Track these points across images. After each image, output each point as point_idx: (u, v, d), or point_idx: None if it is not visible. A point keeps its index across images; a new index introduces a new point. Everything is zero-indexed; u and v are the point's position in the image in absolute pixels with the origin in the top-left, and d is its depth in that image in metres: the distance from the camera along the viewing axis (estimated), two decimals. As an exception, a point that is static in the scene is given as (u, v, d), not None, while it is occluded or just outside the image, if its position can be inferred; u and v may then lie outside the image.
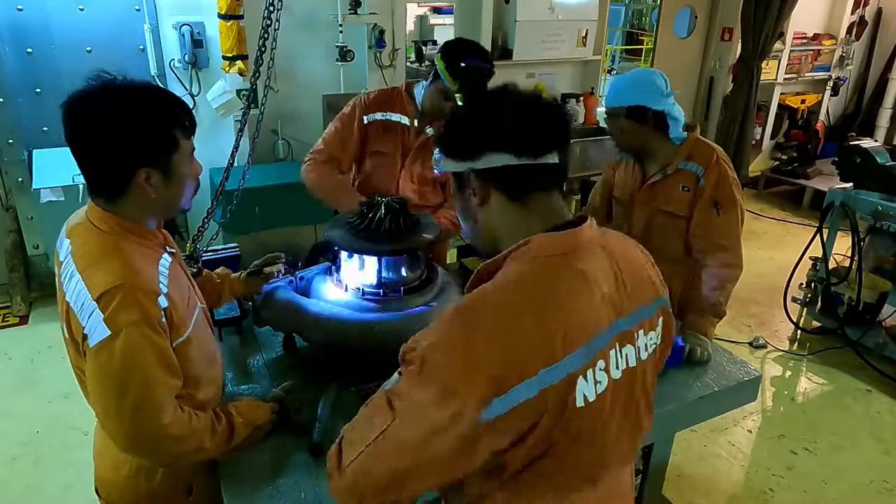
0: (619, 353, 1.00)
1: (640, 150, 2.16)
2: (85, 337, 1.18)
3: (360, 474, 0.92)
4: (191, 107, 3.90)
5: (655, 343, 1.09)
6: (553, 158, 1.03)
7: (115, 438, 1.26)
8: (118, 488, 1.45)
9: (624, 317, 1.00)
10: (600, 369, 0.96)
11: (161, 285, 1.24)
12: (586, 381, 0.93)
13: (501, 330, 0.90)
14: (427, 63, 5.12)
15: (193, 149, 1.31)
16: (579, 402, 0.93)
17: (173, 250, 1.39)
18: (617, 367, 0.99)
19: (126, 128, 1.18)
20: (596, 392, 0.95)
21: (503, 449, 0.91)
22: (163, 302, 1.22)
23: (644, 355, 1.05)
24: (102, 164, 1.23)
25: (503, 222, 1.05)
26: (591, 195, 2.50)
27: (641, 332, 1.05)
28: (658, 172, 2.14)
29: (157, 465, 1.39)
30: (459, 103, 2.15)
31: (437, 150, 1.10)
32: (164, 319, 1.22)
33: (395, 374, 1.00)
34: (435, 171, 1.24)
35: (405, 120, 2.37)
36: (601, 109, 6.48)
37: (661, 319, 1.11)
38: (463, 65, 2.15)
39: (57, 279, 1.30)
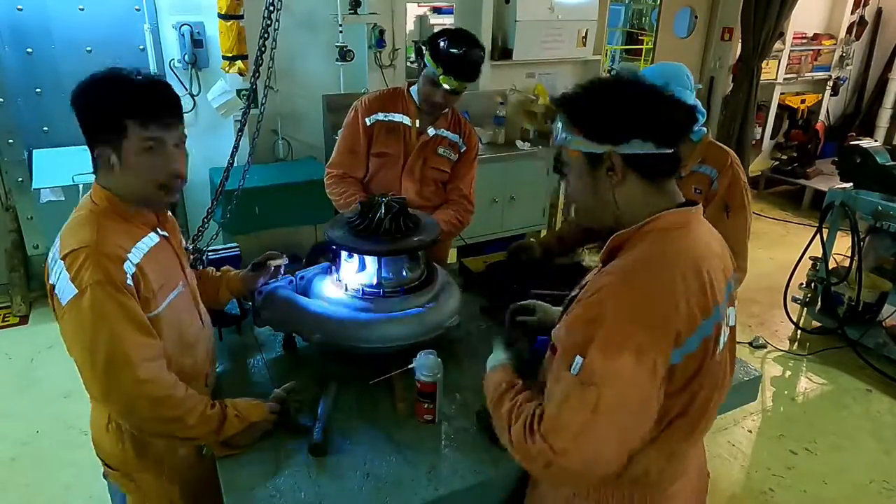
0: (726, 313, 1.14)
1: None
2: (55, 294, 1.26)
3: (588, 450, 1.03)
4: (190, 106, 3.91)
5: (734, 317, 1.22)
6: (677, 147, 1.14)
7: (94, 396, 1.31)
8: (105, 449, 1.49)
9: (728, 280, 1.16)
10: (725, 324, 1.13)
11: (131, 255, 1.29)
12: (720, 331, 1.11)
13: (667, 292, 1.04)
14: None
15: (157, 139, 1.31)
16: (717, 349, 1.11)
17: (165, 234, 1.43)
18: (727, 325, 1.16)
19: (84, 106, 1.29)
20: (722, 343, 1.13)
21: (670, 393, 1.07)
22: (128, 268, 1.27)
23: (732, 321, 1.20)
24: (87, 140, 1.32)
25: (635, 202, 1.14)
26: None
27: (729, 305, 1.18)
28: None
29: (142, 430, 1.39)
30: (446, 87, 2.18)
31: (562, 128, 1.15)
32: (129, 283, 1.27)
33: (554, 365, 1.12)
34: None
35: (407, 120, 2.37)
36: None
37: (735, 298, 1.24)
38: (444, 48, 2.15)
39: None
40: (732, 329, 1.20)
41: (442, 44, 2.15)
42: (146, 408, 1.29)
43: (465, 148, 2.47)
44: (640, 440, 1.09)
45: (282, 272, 1.86)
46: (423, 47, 2.23)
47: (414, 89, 2.37)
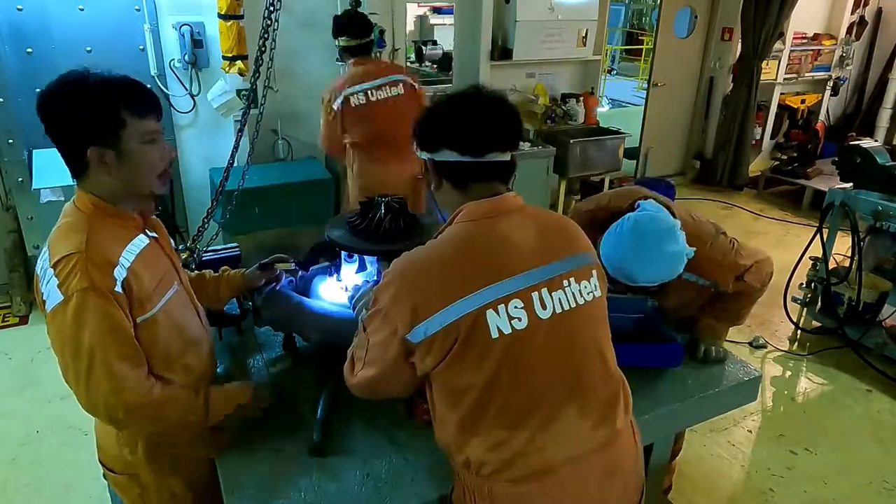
0: (546, 296, 1.19)
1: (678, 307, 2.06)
2: (44, 302, 1.26)
3: (364, 379, 1.27)
4: (190, 106, 3.91)
5: (592, 293, 1.26)
6: (499, 157, 1.25)
7: (78, 400, 1.31)
8: (110, 455, 1.50)
9: (545, 266, 1.21)
10: (516, 307, 1.16)
11: (122, 259, 1.28)
12: (498, 315, 1.15)
13: (423, 273, 1.19)
14: (427, 63, 5.13)
15: (155, 130, 1.33)
16: (493, 334, 1.15)
17: (154, 235, 1.42)
18: (544, 308, 1.19)
19: (70, 108, 1.25)
20: (512, 326, 1.15)
21: (436, 364, 1.17)
22: (119, 273, 1.26)
23: (581, 300, 1.24)
24: (61, 146, 1.29)
25: (449, 203, 1.30)
26: None
27: (572, 279, 1.23)
28: (672, 310, 2.04)
29: (121, 430, 1.42)
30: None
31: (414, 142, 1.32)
32: (118, 289, 1.26)
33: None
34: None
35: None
36: (600, 110, 6.44)
37: (594, 272, 1.29)
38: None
39: None
40: (569, 316, 1.21)
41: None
42: (125, 414, 1.30)
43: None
44: (401, 389, 1.29)
45: (285, 276, 1.86)
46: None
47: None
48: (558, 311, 1.20)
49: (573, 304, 1.22)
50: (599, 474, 1.25)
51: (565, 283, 1.22)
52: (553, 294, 1.20)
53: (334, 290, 1.89)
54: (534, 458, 1.19)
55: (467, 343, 1.14)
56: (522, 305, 1.16)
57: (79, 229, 1.27)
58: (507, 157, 1.26)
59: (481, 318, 1.14)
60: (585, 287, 1.25)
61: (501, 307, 1.15)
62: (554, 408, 1.20)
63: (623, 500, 1.30)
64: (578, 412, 1.22)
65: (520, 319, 1.16)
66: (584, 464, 1.23)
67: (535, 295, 1.18)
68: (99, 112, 1.26)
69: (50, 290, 1.24)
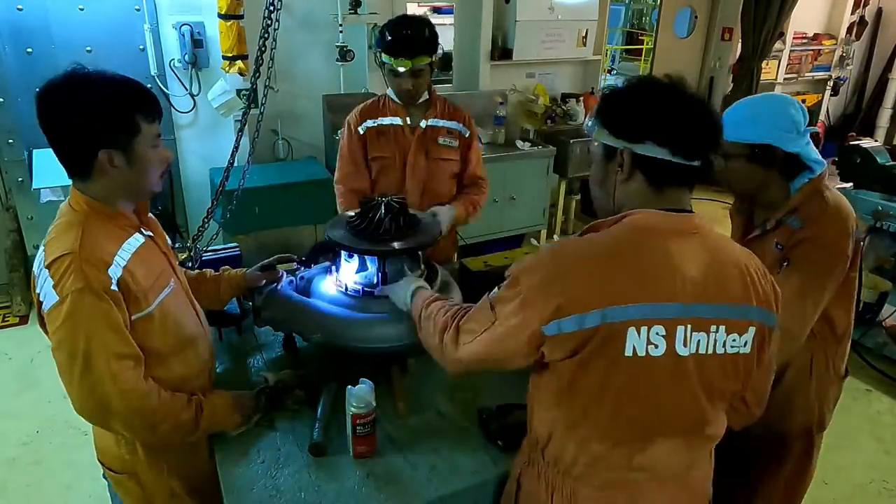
0: (687, 333, 1.10)
1: (753, 195, 1.72)
2: (41, 303, 1.26)
3: (471, 354, 1.22)
4: (190, 106, 3.92)
5: (738, 348, 1.15)
6: (699, 161, 1.13)
7: (72, 402, 1.32)
8: (109, 455, 1.50)
9: (701, 304, 1.10)
10: (658, 334, 1.08)
11: (117, 258, 1.29)
12: (638, 335, 1.07)
13: (576, 270, 1.10)
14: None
15: (159, 134, 1.35)
16: (627, 352, 1.07)
17: (150, 233, 1.43)
18: (685, 346, 1.10)
19: (85, 110, 1.25)
20: (647, 351, 1.08)
21: (562, 359, 1.11)
22: (114, 273, 1.27)
23: (720, 350, 1.13)
24: (67, 146, 1.29)
25: (633, 202, 1.16)
26: None
27: (723, 328, 1.12)
28: (759, 226, 1.72)
29: (112, 432, 1.42)
30: (401, 69, 2.20)
31: (592, 118, 1.20)
32: (114, 288, 1.26)
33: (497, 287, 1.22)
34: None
35: (398, 120, 2.38)
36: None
37: (752, 329, 1.15)
38: (387, 38, 2.19)
39: None
40: (702, 360, 1.12)
41: (385, 34, 2.21)
42: (119, 418, 1.31)
43: (468, 132, 2.47)
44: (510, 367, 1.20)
45: (287, 276, 1.86)
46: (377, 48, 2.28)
47: (391, 91, 2.39)
48: (693, 352, 1.11)
49: (712, 352, 1.13)
50: (676, 490, 1.24)
51: (713, 328, 1.12)
52: (695, 334, 1.11)
53: (334, 290, 1.89)
54: (625, 472, 1.19)
55: (600, 352, 1.08)
56: (664, 334, 1.09)
57: (73, 229, 1.27)
58: (701, 161, 1.14)
59: (621, 333, 1.07)
60: (733, 340, 1.14)
61: (644, 329, 1.07)
62: (662, 438, 1.17)
63: None
64: (681, 446, 1.20)
65: (657, 346, 1.09)
66: (669, 484, 1.22)
67: (680, 329, 1.10)
68: (115, 116, 1.27)
69: (46, 290, 1.24)
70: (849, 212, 1.61)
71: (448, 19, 4.97)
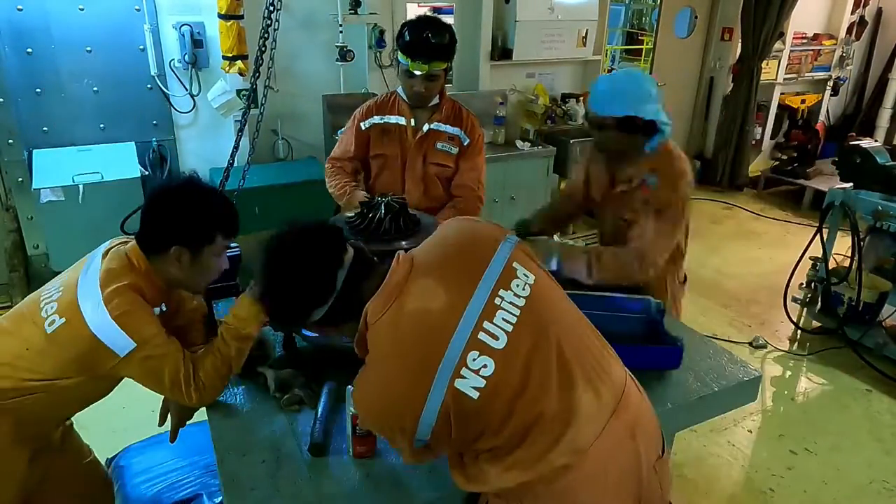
0: (490, 328, 1.16)
1: (619, 156, 2.08)
2: (100, 341, 1.42)
3: (413, 459, 1.26)
4: (190, 106, 3.92)
5: (527, 282, 1.23)
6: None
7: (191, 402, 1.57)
8: None
9: (471, 303, 1.17)
10: (474, 360, 1.14)
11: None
12: (465, 378, 1.13)
13: (383, 397, 1.18)
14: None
15: (226, 247, 1.58)
16: (474, 396, 1.13)
17: (165, 309, 1.61)
18: (497, 339, 1.16)
19: (180, 212, 1.50)
20: (483, 376, 1.13)
21: (452, 445, 1.20)
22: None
23: (521, 302, 1.20)
24: (152, 230, 1.52)
25: (352, 325, 1.25)
26: (566, 186, 2.52)
27: (502, 291, 1.20)
28: (624, 182, 2.08)
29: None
30: (416, 72, 2.18)
31: None
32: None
33: None
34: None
35: (402, 120, 2.38)
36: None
37: (514, 264, 1.24)
38: (405, 36, 2.17)
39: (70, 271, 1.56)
40: (522, 322, 1.18)
41: (405, 32, 2.18)
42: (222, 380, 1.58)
43: (468, 141, 2.44)
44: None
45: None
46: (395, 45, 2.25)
47: (401, 89, 2.38)
48: (509, 329, 1.17)
49: (518, 313, 1.19)
50: (622, 437, 1.24)
51: (497, 301, 1.19)
52: (494, 321, 1.17)
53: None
54: (567, 451, 1.19)
55: (461, 416, 1.14)
56: (479, 353, 1.14)
57: (132, 289, 1.48)
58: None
59: (457, 394, 1.13)
60: (517, 285, 1.22)
61: (464, 370, 1.13)
62: (566, 401, 1.19)
63: (647, 455, 1.28)
64: (585, 391, 1.20)
65: (486, 366, 1.14)
66: (608, 432, 1.21)
67: (481, 336, 1.15)
68: (201, 226, 1.51)
69: (112, 333, 1.42)
70: (688, 169, 2.05)
71: (448, 19, 4.96)
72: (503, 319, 1.17)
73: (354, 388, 1.25)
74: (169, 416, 1.72)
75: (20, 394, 1.46)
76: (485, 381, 1.13)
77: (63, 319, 1.43)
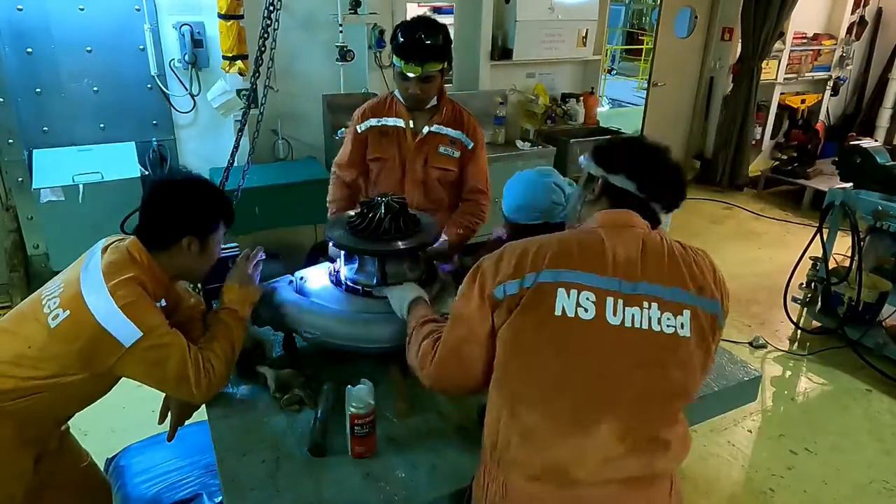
0: (619, 306, 1.19)
1: None
2: (105, 330, 1.43)
3: (448, 342, 1.33)
4: (190, 106, 3.92)
5: (674, 328, 1.21)
6: (658, 203, 1.33)
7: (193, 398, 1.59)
8: None
9: (629, 282, 1.21)
10: (588, 299, 1.19)
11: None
12: (567, 296, 1.19)
13: (524, 247, 1.26)
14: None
15: (224, 236, 1.69)
16: (557, 311, 1.18)
17: (165, 303, 1.65)
18: (614, 315, 1.19)
19: (189, 204, 1.59)
20: (577, 313, 1.18)
21: (503, 321, 1.22)
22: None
23: (656, 327, 1.20)
24: (162, 224, 1.58)
25: (590, 212, 1.36)
26: None
27: (655, 305, 1.21)
28: None
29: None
30: (410, 74, 2.16)
31: (588, 154, 1.41)
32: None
33: None
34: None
35: (400, 122, 2.36)
36: (600, 110, 6.42)
37: (687, 311, 1.22)
38: (397, 37, 2.14)
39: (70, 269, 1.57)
40: (641, 335, 1.18)
41: (398, 35, 2.16)
42: (228, 366, 1.62)
43: (471, 144, 2.41)
44: (477, 371, 1.29)
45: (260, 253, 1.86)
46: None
47: (398, 91, 2.36)
48: (628, 325, 1.18)
49: (644, 326, 1.18)
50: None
51: (645, 304, 1.20)
52: (627, 308, 1.19)
53: (334, 290, 1.89)
54: (555, 459, 1.17)
55: (531, 306, 1.19)
56: (594, 300, 1.19)
57: (137, 281, 1.50)
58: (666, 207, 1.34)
59: (552, 292, 1.18)
60: (668, 319, 1.20)
61: (574, 291, 1.18)
62: (592, 415, 1.16)
63: None
64: (615, 433, 1.16)
65: (586, 310, 1.18)
66: (609, 492, 1.18)
67: (609, 299, 1.19)
68: (208, 214, 1.61)
69: (118, 322, 1.43)
70: None
71: (448, 19, 4.96)
72: (632, 315, 1.20)
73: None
74: (168, 414, 1.72)
75: (22, 394, 1.47)
76: (573, 315, 1.18)
77: (67, 312, 1.44)
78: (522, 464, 1.19)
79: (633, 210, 1.31)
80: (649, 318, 1.19)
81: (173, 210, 1.58)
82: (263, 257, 1.84)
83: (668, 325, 1.20)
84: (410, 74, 2.16)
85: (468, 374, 1.30)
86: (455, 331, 1.30)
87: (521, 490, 1.20)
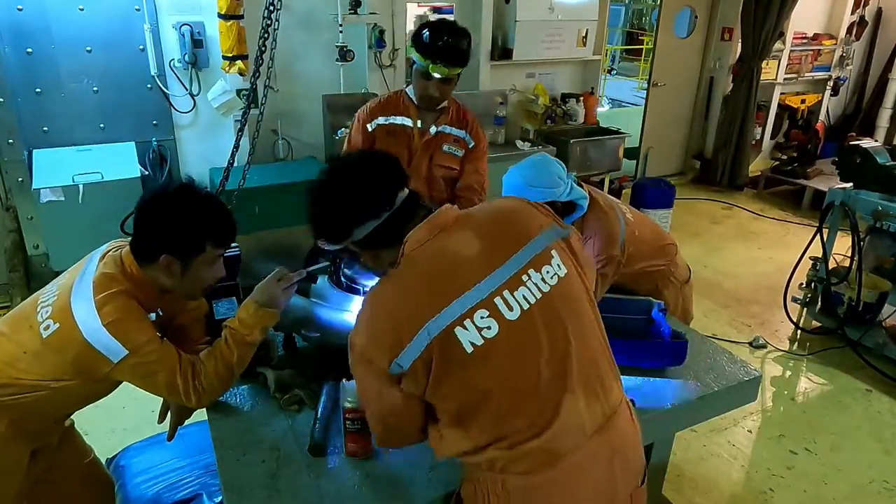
0: (508, 297, 1.19)
1: None
2: (91, 346, 1.40)
3: (377, 422, 1.30)
4: (190, 106, 3.91)
5: (557, 274, 1.26)
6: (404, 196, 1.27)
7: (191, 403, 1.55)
8: None
9: (500, 267, 1.21)
10: (482, 317, 1.17)
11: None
12: (466, 329, 1.16)
13: (383, 311, 1.22)
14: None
15: (221, 255, 1.54)
16: (468, 349, 1.16)
17: (161, 313, 1.62)
18: (511, 310, 1.19)
19: (167, 220, 1.46)
20: (483, 336, 1.16)
21: (423, 389, 1.19)
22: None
23: (546, 287, 1.23)
24: (142, 237, 1.49)
25: (391, 258, 1.27)
26: None
27: (531, 270, 1.23)
28: None
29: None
30: (437, 75, 2.17)
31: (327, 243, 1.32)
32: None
33: None
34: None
35: (408, 121, 2.38)
36: (600, 110, 6.43)
37: (554, 252, 1.28)
38: (428, 37, 2.15)
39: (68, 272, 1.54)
40: (541, 305, 1.21)
41: (425, 34, 2.16)
42: (223, 384, 1.56)
43: (472, 143, 2.45)
44: (415, 427, 1.28)
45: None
46: (409, 43, 2.24)
47: (410, 90, 2.38)
48: (525, 307, 1.20)
49: (539, 295, 1.22)
50: (603, 456, 1.25)
51: (524, 277, 1.22)
52: (515, 293, 1.20)
53: (334, 290, 1.88)
54: (542, 449, 1.20)
55: (445, 363, 1.15)
56: (488, 314, 1.17)
57: (125, 294, 1.46)
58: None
59: (451, 337, 1.15)
60: (548, 272, 1.25)
61: (468, 321, 1.16)
62: (553, 399, 1.20)
63: (624, 481, 1.29)
64: (576, 399, 1.21)
65: (489, 328, 1.17)
66: (588, 447, 1.23)
67: (497, 300, 1.19)
68: (188, 235, 1.46)
69: (104, 339, 1.40)
70: (608, 223, 2.10)
71: (448, 19, 4.97)
72: (523, 296, 1.20)
73: (365, 297, 1.28)
74: (168, 414, 1.72)
75: (19, 391, 1.47)
76: (482, 341, 1.16)
77: (57, 325, 1.43)
78: (517, 463, 1.21)
79: (424, 211, 1.28)
80: (535, 286, 1.22)
81: (152, 226, 1.48)
82: (302, 278, 1.69)
83: (550, 278, 1.24)
84: (437, 75, 2.18)
85: (411, 433, 1.30)
86: (374, 408, 1.28)
87: (521, 487, 1.22)
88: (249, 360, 1.61)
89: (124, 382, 1.58)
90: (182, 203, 1.47)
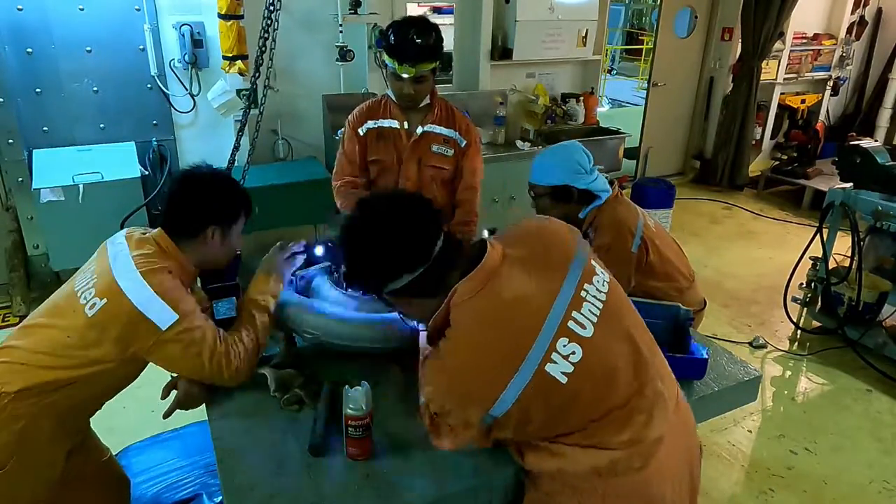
0: (578, 317, 1.23)
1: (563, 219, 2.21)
2: (143, 314, 1.48)
3: (462, 444, 1.30)
4: (190, 106, 3.92)
5: (605, 281, 1.32)
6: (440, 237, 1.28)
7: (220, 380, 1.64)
8: None
9: (560, 294, 1.24)
10: (564, 346, 1.20)
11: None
12: (555, 362, 1.18)
13: (468, 369, 1.21)
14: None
15: (244, 226, 1.75)
16: (563, 380, 1.18)
17: (192, 291, 1.70)
18: (584, 328, 1.23)
19: (214, 195, 1.67)
20: (572, 363, 1.19)
21: (512, 430, 1.23)
22: None
23: (603, 297, 1.28)
24: (189, 215, 1.65)
25: (433, 307, 1.28)
26: None
27: (586, 285, 1.27)
28: None
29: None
30: (404, 75, 2.17)
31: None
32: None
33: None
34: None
35: (396, 124, 2.37)
36: (600, 110, 6.43)
37: (592, 261, 1.33)
38: (390, 38, 2.15)
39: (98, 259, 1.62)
40: (604, 317, 1.25)
41: (390, 35, 2.17)
42: (253, 355, 1.66)
43: (464, 143, 2.42)
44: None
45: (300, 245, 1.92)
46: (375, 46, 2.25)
47: (391, 91, 2.36)
48: (594, 320, 1.24)
49: (601, 306, 1.26)
50: (682, 432, 1.34)
51: (583, 293, 1.26)
52: (582, 311, 1.24)
53: (334, 290, 1.89)
54: (644, 447, 1.25)
55: (546, 399, 1.19)
56: (568, 340, 1.21)
57: (167, 269, 1.58)
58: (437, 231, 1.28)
59: (544, 376, 1.18)
60: (598, 281, 1.30)
61: (554, 354, 1.19)
62: (645, 396, 1.26)
63: (697, 449, 1.41)
64: (655, 389, 1.28)
65: (574, 353, 1.20)
66: (672, 429, 1.30)
67: (570, 324, 1.22)
68: (231, 205, 1.70)
69: (157, 308, 1.49)
70: (624, 215, 2.13)
71: (448, 19, 4.96)
72: (589, 311, 1.24)
73: (436, 359, 1.27)
74: (172, 393, 1.70)
75: (61, 385, 1.51)
76: (573, 367, 1.19)
77: (104, 300, 1.50)
78: (631, 461, 1.25)
79: (452, 266, 1.27)
80: (594, 298, 1.26)
81: (199, 201, 1.65)
82: (301, 249, 1.90)
83: (602, 285, 1.30)
84: (405, 75, 2.16)
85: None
86: (467, 440, 1.29)
87: (631, 483, 1.26)
88: (269, 331, 1.73)
89: (124, 384, 1.58)
90: (218, 180, 1.70)
